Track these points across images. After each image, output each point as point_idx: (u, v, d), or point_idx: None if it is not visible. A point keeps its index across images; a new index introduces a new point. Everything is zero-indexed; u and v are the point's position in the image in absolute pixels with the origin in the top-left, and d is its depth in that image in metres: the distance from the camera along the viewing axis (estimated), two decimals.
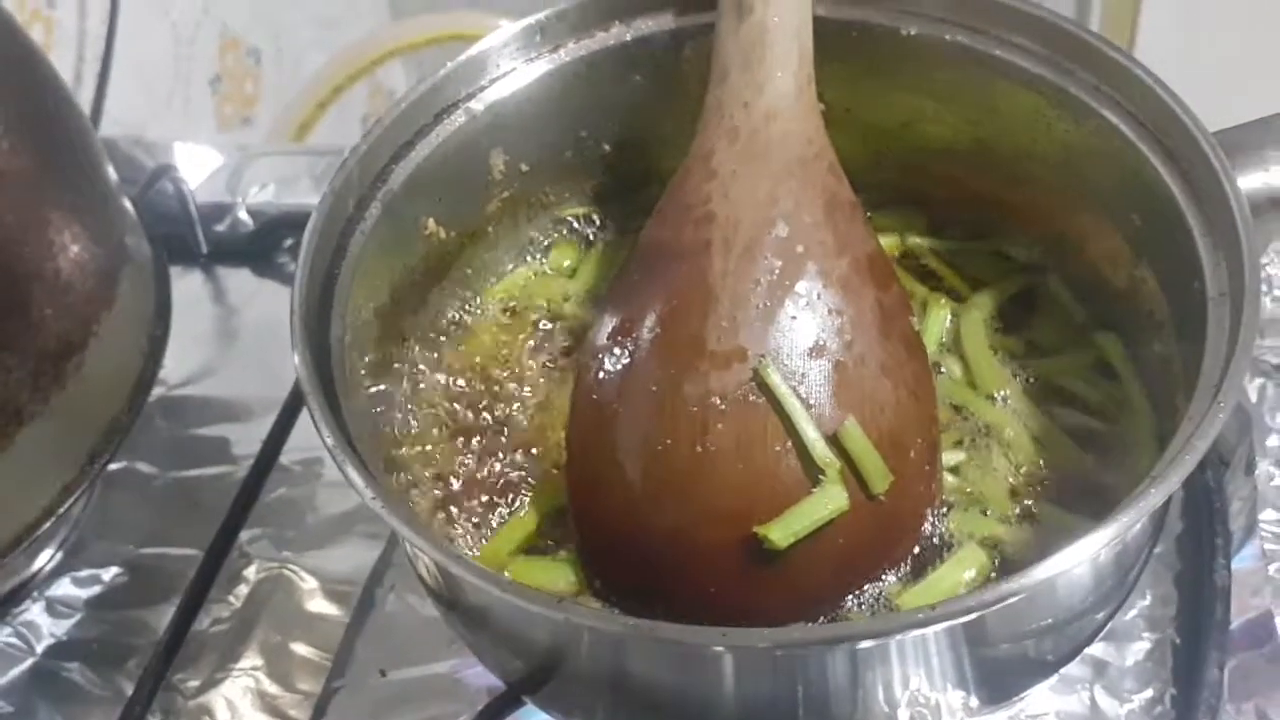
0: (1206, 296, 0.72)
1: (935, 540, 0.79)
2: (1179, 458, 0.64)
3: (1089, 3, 1.99)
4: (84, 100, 1.55)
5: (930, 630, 0.64)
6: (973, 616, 0.62)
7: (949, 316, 0.90)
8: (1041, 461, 0.82)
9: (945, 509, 0.80)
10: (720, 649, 0.64)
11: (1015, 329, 0.89)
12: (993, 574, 0.77)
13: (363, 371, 0.80)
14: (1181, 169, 0.76)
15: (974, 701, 0.72)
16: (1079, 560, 0.62)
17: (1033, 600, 0.66)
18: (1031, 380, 0.86)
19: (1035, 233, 0.91)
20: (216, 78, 1.90)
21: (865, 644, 0.64)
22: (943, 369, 0.87)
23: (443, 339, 0.90)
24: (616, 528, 0.79)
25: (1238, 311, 0.69)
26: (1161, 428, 0.80)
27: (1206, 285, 0.72)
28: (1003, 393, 0.85)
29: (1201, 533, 0.88)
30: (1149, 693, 0.84)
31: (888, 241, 0.92)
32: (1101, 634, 0.78)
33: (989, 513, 0.80)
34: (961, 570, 0.77)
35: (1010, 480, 0.82)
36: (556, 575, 0.80)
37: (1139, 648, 0.86)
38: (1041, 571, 0.61)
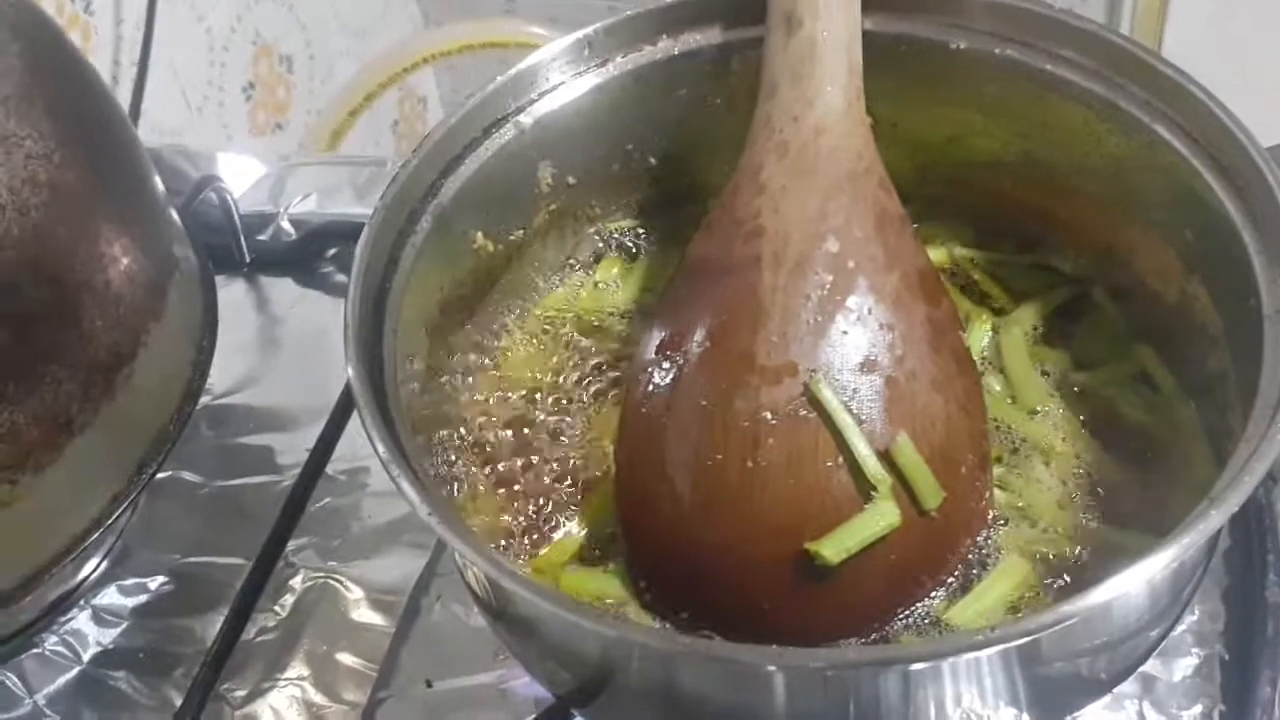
0: (1263, 314, 0.71)
1: (984, 555, 0.79)
2: (1237, 480, 0.63)
3: (1120, 11, 1.98)
4: (121, 105, 1.57)
5: (985, 653, 0.63)
6: (1029, 639, 0.62)
7: (990, 332, 0.89)
8: (1086, 476, 0.82)
9: (1004, 522, 0.80)
10: (774, 668, 0.64)
11: (1062, 341, 0.89)
12: (1039, 588, 0.77)
13: (412, 385, 0.80)
14: (1235, 184, 0.76)
15: (1026, 718, 0.72)
16: (1137, 583, 0.61)
17: (1088, 621, 0.66)
18: (1076, 393, 0.86)
19: (1084, 247, 0.90)
20: (249, 84, 1.91)
21: (919, 666, 0.64)
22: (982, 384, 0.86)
23: (490, 352, 0.91)
24: (666, 542, 0.79)
25: None
26: (1214, 442, 0.80)
27: (1262, 302, 0.71)
28: (1044, 408, 0.85)
29: (1251, 548, 0.88)
30: (1198, 709, 0.83)
31: (934, 254, 0.92)
32: None
33: (1034, 527, 0.80)
34: (1006, 584, 0.77)
35: (1054, 495, 0.81)
36: (607, 587, 0.80)
37: (1187, 663, 0.85)
38: (1099, 595, 0.61)
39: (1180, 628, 0.86)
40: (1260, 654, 0.82)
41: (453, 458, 0.86)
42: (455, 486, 0.85)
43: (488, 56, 1.93)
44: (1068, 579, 0.77)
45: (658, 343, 0.80)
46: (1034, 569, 0.77)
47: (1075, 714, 0.78)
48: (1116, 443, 0.83)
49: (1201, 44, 1.86)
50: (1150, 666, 0.84)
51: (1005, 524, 0.80)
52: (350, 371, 0.72)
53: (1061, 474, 0.82)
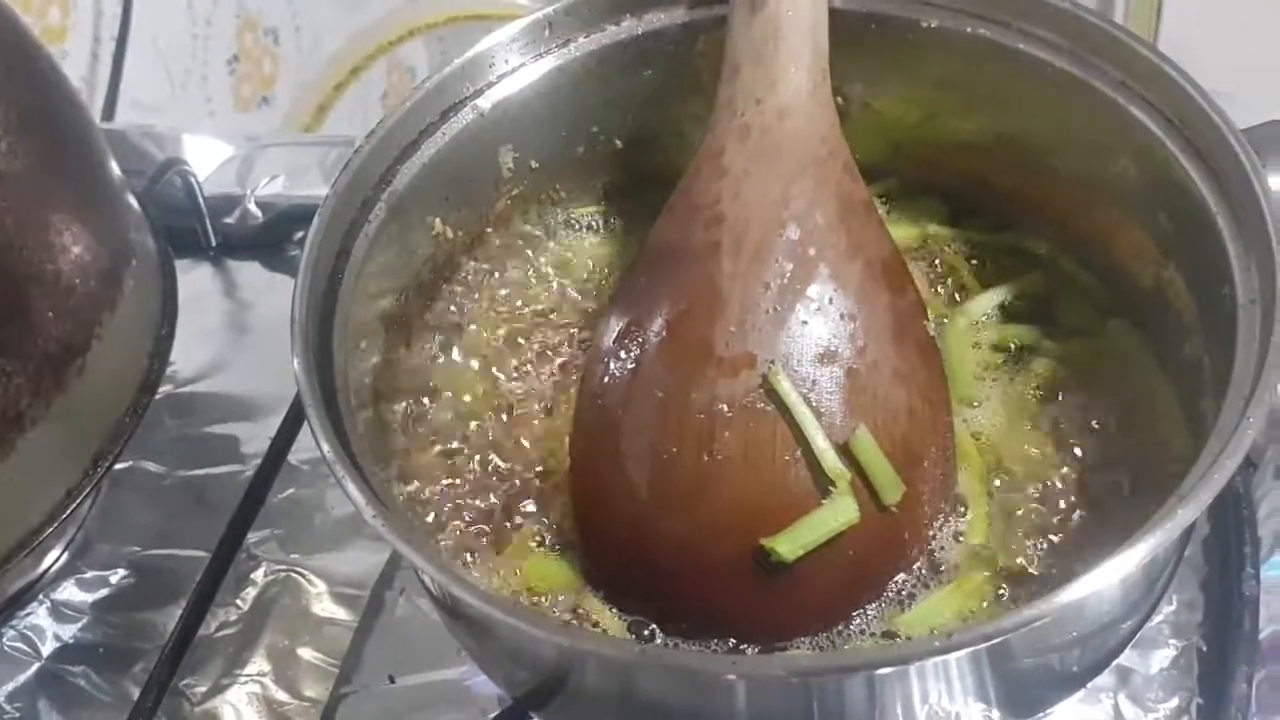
0: (1236, 302, 0.69)
1: (944, 550, 0.77)
2: (1208, 476, 0.61)
3: None
4: (101, 80, 1.55)
5: (951, 656, 0.61)
6: (995, 642, 0.60)
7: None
8: (1032, 469, 0.80)
9: (959, 515, 0.78)
10: (733, 677, 0.62)
11: (1032, 318, 0.87)
12: (999, 589, 0.75)
13: (367, 379, 0.79)
14: (1210, 167, 0.74)
15: (996, 715, 0.70)
16: (1107, 583, 0.60)
17: (1058, 621, 0.64)
18: (1025, 379, 0.84)
19: (1058, 229, 0.88)
20: (234, 58, 1.89)
21: (884, 671, 0.62)
22: None
23: (450, 341, 0.89)
24: (620, 536, 0.77)
25: (1269, 319, 0.67)
26: (1188, 426, 0.77)
27: (1236, 290, 0.69)
28: (981, 402, 0.83)
29: (1229, 537, 0.86)
30: (1174, 701, 0.82)
31: (907, 231, 0.91)
32: None
33: (988, 523, 0.78)
34: (962, 590, 0.75)
35: (1001, 488, 0.79)
36: (568, 575, 0.79)
37: (1164, 655, 0.84)
38: (1068, 595, 0.59)
39: (1157, 618, 0.84)
40: (1237, 649, 0.81)
41: (412, 450, 0.84)
42: (415, 479, 0.83)
43: (476, 28, 1.91)
44: (1021, 578, 0.76)
45: (615, 331, 0.78)
46: (991, 570, 0.76)
47: (1050, 709, 0.77)
48: (1077, 431, 0.82)
49: (1199, 26, 1.83)
50: (1127, 659, 0.83)
51: (959, 519, 0.78)
52: (296, 367, 0.71)
53: (1007, 467, 0.80)
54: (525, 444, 0.84)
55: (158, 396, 0.92)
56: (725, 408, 0.73)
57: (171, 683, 0.87)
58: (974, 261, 0.91)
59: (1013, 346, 0.85)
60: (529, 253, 0.93)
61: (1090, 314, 0.86)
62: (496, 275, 0.92)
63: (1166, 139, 0.76)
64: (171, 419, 1.06)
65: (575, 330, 0.90)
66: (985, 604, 0.74)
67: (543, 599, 0.78)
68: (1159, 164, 0.76)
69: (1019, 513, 0.78)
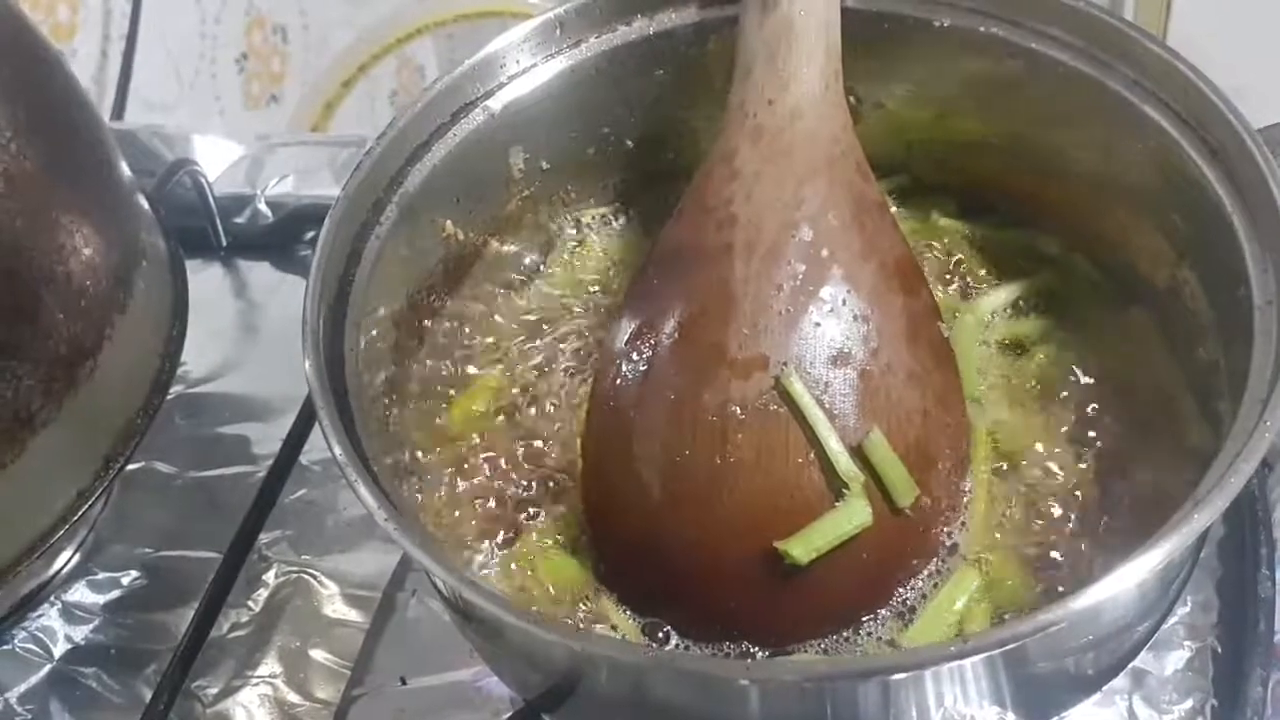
0: (1253, 303, 0.69)
1: (954, 552, 0.77)
2: (1224, 479, 0.61)
3: None
4: (110, 79, 1.55)
5: (966, 661, 0.61)
6: (1011, 647, 0.60)
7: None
8: (1043, 470, 0.80)
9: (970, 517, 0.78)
10: (746, 682, 0.62)
11: (1045, 321, 0.87)
12: (1009, 591, 0.75)
13: (379, 380, 0.78)
14: (1225, 167, 0.73)
15: (1011, 718, 0.70)
16: (1123, 587, 0.59)
17: (1073, 625, 0.63)
18: (1043, 375, 0.84)
19: (1070, 228, 0.88)
20: (243, 55, 1.89)
21: (898, 676, 0.62)
22: None
23: (462, 342, 0.89)
24: (632, 537, 0.77)
25: None
26: (1204, 428, 0.77)
27: (1253, 291, 0.69)
28: (990, 401, 0.82)
29: (1244, 539, 0.86)
30: (1189, 703, 0.81)
31: (917, 230, 0.90)
32: None
33: (999, 524, 0.78)
34: (958, 593, 0.75)
35: (1012, 491, 0.79)
36: (582, 575, 0.79)
37: (1179, 656, 0.83)
38: (1083, 600, 0.59)
39: (1172, 619, 0.84)
40: (1252, 650, 0.80)
41: (424, 451, 0.84)
42: (427, 480, 0.83)
43: (485, 26, 1.91)
44: (1033, 580, 0.76)
45: (627, 333, 0.78)
46: (980, 574, 0.75)
47: (1064, 711, 0.76)
48: (1080, 431, 0.81)
49: (1209, 23, 1.82)
50: (1141, 660, 0.82)
51: (971, 519, 0.78)
52: (308, 368, 0.71)
53: (1018, 467, 0.80)
54: (537, 445, 0.84)
55: (169, 397, 0.92)
56: (738, 410, 0.73)
57: (183, 684, 0.87)
58: (985, 259, 0.90)
59: (1023, 345, 0.85)
60: (540, 254, 0.93)
61: (1103, 314, 0.86)
62: (507, 276, 0.91)
63: (1180, 138, 0.75)
64: (183, 420, 1.06)
65: (587, 331, 0.89)
66: (995, 607, 0.74)
67: (555, 601, 0.78)
68: (1173, 163, 0.76)
69: (1030, 514, 0.78)
